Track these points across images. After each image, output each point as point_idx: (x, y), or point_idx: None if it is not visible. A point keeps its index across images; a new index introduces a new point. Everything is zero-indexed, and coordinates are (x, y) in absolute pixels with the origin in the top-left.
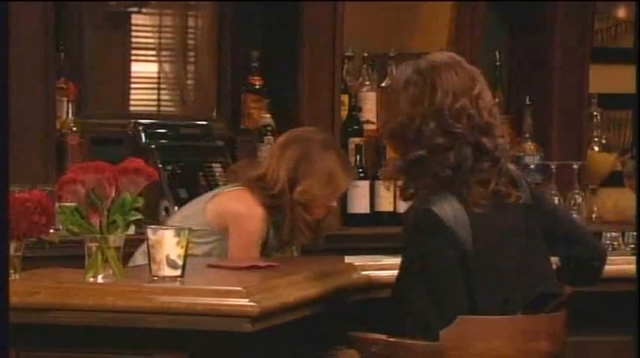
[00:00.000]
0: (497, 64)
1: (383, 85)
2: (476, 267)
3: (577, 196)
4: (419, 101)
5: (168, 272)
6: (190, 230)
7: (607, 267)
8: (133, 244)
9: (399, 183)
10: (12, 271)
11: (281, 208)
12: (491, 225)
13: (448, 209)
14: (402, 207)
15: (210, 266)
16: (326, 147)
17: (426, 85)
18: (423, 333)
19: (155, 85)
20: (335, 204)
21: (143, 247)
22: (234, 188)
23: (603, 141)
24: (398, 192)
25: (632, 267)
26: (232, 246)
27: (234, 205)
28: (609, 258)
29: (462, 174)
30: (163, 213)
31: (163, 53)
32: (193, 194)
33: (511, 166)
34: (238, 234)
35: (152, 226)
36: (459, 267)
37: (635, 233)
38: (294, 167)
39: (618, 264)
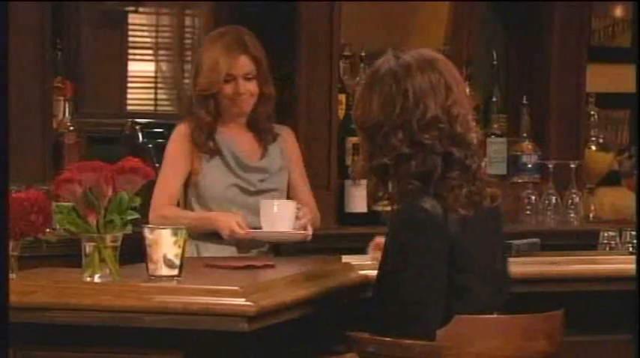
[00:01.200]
0: (495, 62)
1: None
2: (462, 264)
3: (574, 195)
4: (390, 106)
5: (165, 271)
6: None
7: (605, 266)
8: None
9: (366, 186)
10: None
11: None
12: (474, 226)
13: (438, 207)
14: None
15: (207, 265)
16: (215, 38)
17: (399, 89)
18: (419, 326)
19: (152, 84)
20: (247, 88)
21: None
22: None
23: (601, 141)
24: (367, 194)
25: (630, 267)
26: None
27: None
28: (608, 257)
29: (432, 183)
30: None
31: (160, 52)
32: None
33: (485, 171)
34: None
35: (149, 225)
36: (447, 264)
37: (632, 232)
38: (195, 61)
39: (616, 264)
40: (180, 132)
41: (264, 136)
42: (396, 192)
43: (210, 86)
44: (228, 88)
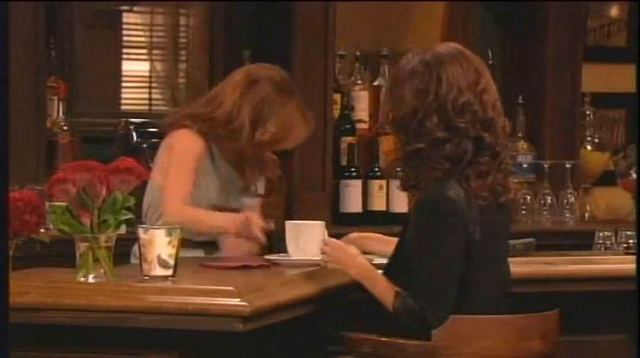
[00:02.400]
0: (490, 62)
1: (375, 83)
2: (477, 258)
3: (570, 195)
4: (423, 94)
5: (159, 271)
6: (182, 229)
7: (601, 267)
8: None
9: (398, 175)
10: None
11: (240, 145)
12: (491, 219)
13: (461, 194)
14: (396, 206)
15: (202, 265)
16: (288, 91)
17: (432, 77)
18: (432, 298)
19: (146, 84)
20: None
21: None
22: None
23: (596, 141)
24: (398, 183)
25: (625, 267)
26: (167, 173)
27: (173, 138)
28: (603, 257)
29: (460, 167)
30: None
31: (155, 52)
32: None
33: (509, 162)
34: (173, 157)
35: (143, 225)
36: (464, 256)
37: (628, 232)
38: (259, 107)
39: (611, 264)
40: (190, 139)
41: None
42: (423, 179)
43: (277, 141)
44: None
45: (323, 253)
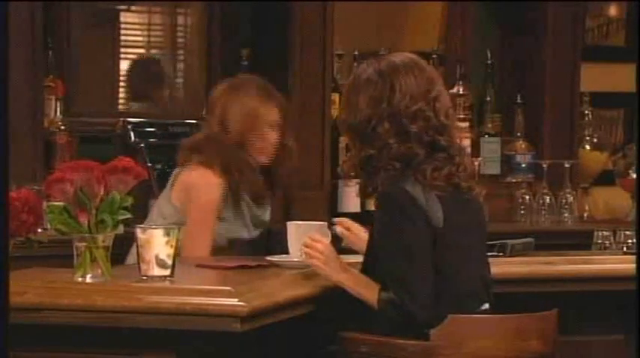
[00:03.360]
0: (489, 62)
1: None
2: (445, 245)
3: (568, 195)
4: (377, 102)
5: (157, 271)
6: (179, 229)
7: (599, 266)
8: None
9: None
10: None
11: (237, 158)
12: (457, 211)
13: (418, 189)
14: None
15: (199, 266)
16: (240, 86)
17: (385, 86)
18: (415, 303)
19: None
20: (274, 137)
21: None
22: (191, 165)
23: (595, 140)
24: (357, 191)
25: (624, 266)
26: (190, 221)
27: (192, 179)
28: (602, 257)
29: (413, 164)
30: None
31: (152, 51)
32: None
33: (470, 164)
34: (196, 207)
35: (141, 225)
36: (431, 245)
37: (626, 232)
38: (222, 113)
39: (610, 263)
40: (218, 186)
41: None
42: (379, 181)
43: (244, 138)
44: (270, 135)
45: (306, 253)
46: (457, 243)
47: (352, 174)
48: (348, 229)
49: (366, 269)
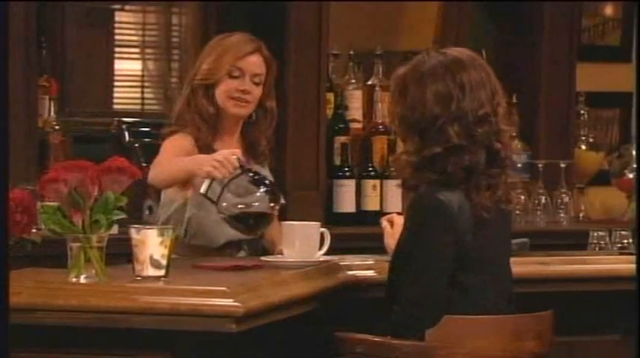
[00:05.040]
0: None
1: (369, 83)
2: (473, 261)
3: (564, 195)
4: (446, 101)
5: (151, 272)
6: (174, 230)
7: (595, 267)
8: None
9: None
10: None
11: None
12: (492, 226)
13: (454, 200)
14: (390, 206)
15: (194, 266)
16: (218, 38)
17: (455, 83)
18: (412, 326)
19: (139, 83)
20: (256, 91)
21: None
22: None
23: (590, 140)
24: (401, 182)
25: (620, 267)
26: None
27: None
28: (597, 257)
29: (474, 177)
30: (147, 212)
31: (147, 51)
32: None
33: (510, 173)
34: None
35: (135, 226)
36: (453, 256)
37: (622, 232)
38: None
39: (605, 264)
40: (178, 137)
41: (260, 160)
42: (425, 181)
43: (212, 74)
44: (233, 83)
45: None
46: (485, 259)
47: (408, 171)
48: (391, 223)
49: (392, 268)
